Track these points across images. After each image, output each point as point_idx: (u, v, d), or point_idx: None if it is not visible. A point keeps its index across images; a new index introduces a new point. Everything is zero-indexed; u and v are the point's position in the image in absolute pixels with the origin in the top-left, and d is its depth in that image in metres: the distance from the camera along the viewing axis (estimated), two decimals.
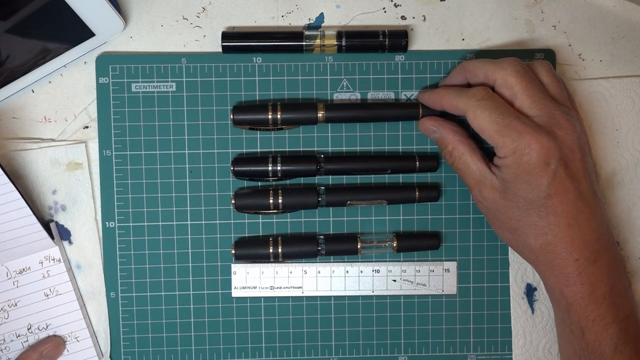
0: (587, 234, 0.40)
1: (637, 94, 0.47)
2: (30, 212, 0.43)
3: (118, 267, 0.46)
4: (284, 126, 0.46)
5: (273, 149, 0.47)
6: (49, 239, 0.45)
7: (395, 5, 0.47)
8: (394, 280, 0.47)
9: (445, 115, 0.45)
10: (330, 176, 0.47)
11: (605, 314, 0.40)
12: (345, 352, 0.47)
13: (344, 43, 0.46)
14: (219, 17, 0.47)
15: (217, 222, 0.47)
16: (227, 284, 0.47)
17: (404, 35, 0.46)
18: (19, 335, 0.46)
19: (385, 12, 0.47)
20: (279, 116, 0.45)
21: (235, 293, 0.47)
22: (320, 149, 0.47)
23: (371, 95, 0.47)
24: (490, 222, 0.44)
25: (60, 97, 0.46)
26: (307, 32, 0.46)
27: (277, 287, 0.47)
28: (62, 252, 0.46)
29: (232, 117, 0.45)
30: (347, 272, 0.47)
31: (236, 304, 0.47)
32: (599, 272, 0.40)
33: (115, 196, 0.46)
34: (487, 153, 0.43)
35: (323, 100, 0.47)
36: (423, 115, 0.46)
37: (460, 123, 0.45)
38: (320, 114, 0.45)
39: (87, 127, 0.46)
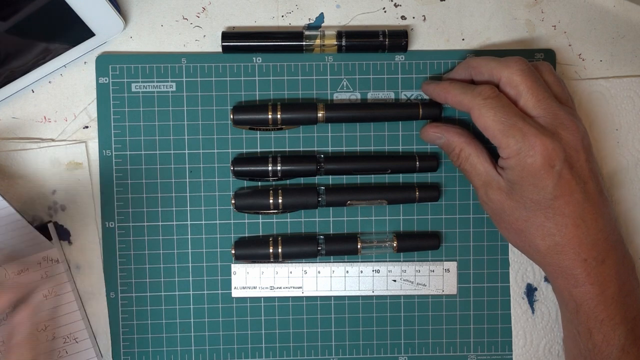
0: (594, 234, 0.40)
1: (637, 94, 0.47)
2: (21, 218, 0.43)
3: (118, 267, 0.46)
4: (284, 126, 0.46)
5: (273, 149, 0.47)
6: (48, 240, 0.45)
7: (395, 5, 0.47)
8: (394, 281, 0.47)
9: (445, 120, 0.45)
10: (330, 176, 0.47)
11: (614, 314, 0.40)
12: (345, 352, 0.47)
13: (344, 43, 0.46)
14: (219, 17, 0.47)
15: (217, 222, 0.46)
16: (227, 284, 0.47)
17: (404, 35, 0.46)
18: None
19: (385, 12, 0.47)
20: (279, 116, 0.45)
21: (235, 293, 0.47)
22: (320, 149, 0.47)
23: (371, 95, 0.47)
24: (497, 224, 0.44)
25: (60, 97, 0.46)
26: (307, 32, 0.46)
27: (277, 287, 0.46)
28: (60, 253, 0.46)
29: (232, 117, 0.45)
30: (347, 272, 0.47)
31: (236, 304, 0.47)
32: (608, 272, 0.40)
33: (115, 196, 0.46)
34: (493, 154, 0.43)
35: (323, 100, 0.47)
36: (423, 115, 0.46)
37: (462, 125, 0.45)
38: (320, 114, 0.45)
39: (87, 127, 0.46)
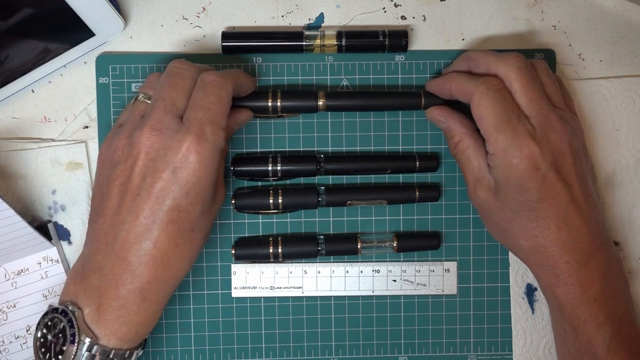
0: (577, 237, 0.40)
1: (637, 93, 0.47)
2: (20, 219, 0.43)
3: None
4: (284, 114, 0.46)
5: (273, 149, 0.47)
6: (47, 240, 0.45)
7: (395, 5, 0.47)
8: (394, 281, 0.47)
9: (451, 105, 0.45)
10: (330, 176, 0.47)
11: (596, 314, 0.40)
12: (345, 352, 0.47)
13: (344, 43, 0.46)
14: (219, 17, 0.47)
15: (217, 222, 0.46)
16: (227, 284, 0.47)
17: (404, 35, 0.46)
18: (17, 337, 0.45)
19: (385, 12, 0.47)
20: (279, 103, 0.45)
21: (235, 293, 0.46)
22: (320, 148, 0.47)
23: None
24: (483, 220, 0.45)
25: (60, 97, 0.46)
26: (307, 32, 0.46)
27: (277, 287, 0.46)
28: (60, 253, 0.46)
29: (232, 104, 0.45)
30: (347, 272, 0.47)
31: (236, 304, 0.47)
32: (591, 273, 0.40)
33: None
34: None
35: (323, 88, 0.46)
36: (425, 105, 0.45)
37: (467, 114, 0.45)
38: (320, 102, 0.45)
39: (87, 127, 0.46)
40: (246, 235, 0.47)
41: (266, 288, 0.46)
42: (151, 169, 0.37)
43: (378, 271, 0.47)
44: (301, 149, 0.47)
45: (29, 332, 0.45)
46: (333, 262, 0.47)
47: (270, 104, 0.45)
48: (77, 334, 0.37)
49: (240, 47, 0.46)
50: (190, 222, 0.38)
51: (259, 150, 0.47)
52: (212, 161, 0.38)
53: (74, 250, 0.46)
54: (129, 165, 0.38)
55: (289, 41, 0.46)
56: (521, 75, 0.40)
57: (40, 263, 0.45)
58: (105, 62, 0.46)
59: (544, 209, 0.40)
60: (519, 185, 0.39)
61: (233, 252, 0.46)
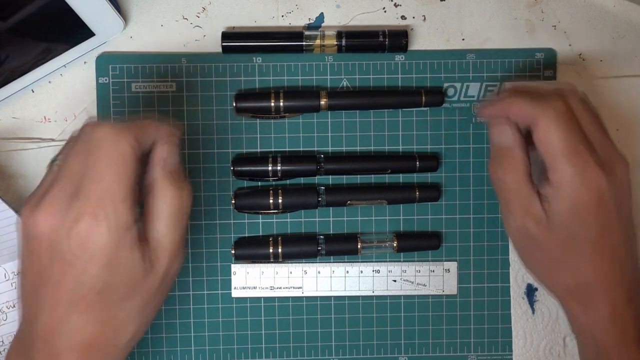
0: (626, 275, 0.39)
1: (637, 93, 0.47)
2: (19, 218, 0.42)
3: None
4: (286, 114, 0.46)
5: (273, 149, 0.47)
6: None
7: (395, 5, 0.47)
8: (394, 281, 0.47)
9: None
10: (330, 176, 0.47)
11: (636, 356, 0.38)
12: (346, 352, 0.47)
13: (344, 43, 0.46)
14: (219, 17, 0.47)
15: (217, 222, 0.46)
16: (227, 284, 0.47)
17: (404, 35, 0.46)
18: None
19: (385, 12, 0.47)
20: (281, 104, 0.45)
21: (235, 293, 0.46)
22: (320, 148, 0.47)
23: None
24: (521, 252, 0.42)
25: (60, 97, 0.46)
26: (307, 32, 0.46)
27: (277, 287, 0.46)
28: None
29: (234, 104, 0.45)
30: (347, 272, 0.47)
31: (236, 304, 0.47)
32: (633, 313, 0.39)
33: None
34: None
35: (325, 88, 0.47)
36: (426, 102, 0.45)
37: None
38: (322, 102, 0.45)
39: None
40: (246, 235, 0.47)
41: (266, 288, 0.46)
42: (56, 254, 0.33)
43: (378, 271, 0.47)
44: (301, 149, 0.47)
45: None
46: (333, 262, 0.47)
47: (273, 104, 0.45)
48: None
49: (240, 47, 0.46)
50: (114, 302, 0.34)
51: (259, 150, 0.47)
52: (122, 238, 0.33)
53: None
54: (34, 248, 0.34)
55: (289, 41, 0.46)
56: (560, 139, 0.37)
57: None
58: (105, 62, 0.46)
59: (600, 244, 0.38)
60: (582, 219, 0.37)
61: (233, 252, 0.46)
